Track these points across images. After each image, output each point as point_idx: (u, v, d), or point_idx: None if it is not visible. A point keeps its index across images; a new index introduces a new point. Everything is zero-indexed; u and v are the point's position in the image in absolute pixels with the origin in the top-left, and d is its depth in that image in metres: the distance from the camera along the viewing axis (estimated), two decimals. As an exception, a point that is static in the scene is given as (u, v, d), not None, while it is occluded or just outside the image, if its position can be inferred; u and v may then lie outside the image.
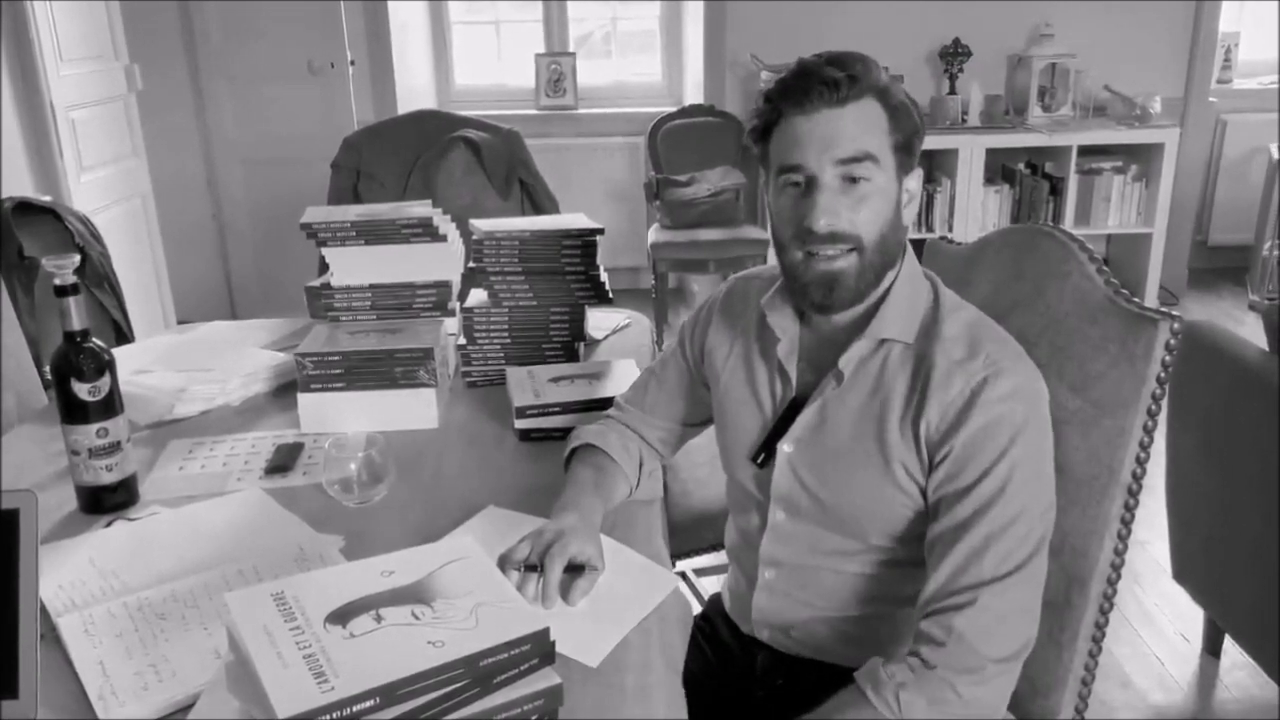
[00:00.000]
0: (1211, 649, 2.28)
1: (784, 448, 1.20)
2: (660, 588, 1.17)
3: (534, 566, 1.11)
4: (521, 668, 0.89)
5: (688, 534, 1.88)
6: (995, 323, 1.17)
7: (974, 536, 1.07)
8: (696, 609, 1.41)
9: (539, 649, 0.90)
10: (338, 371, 1.57)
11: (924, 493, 1.13)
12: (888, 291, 1.16)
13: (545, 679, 0.91)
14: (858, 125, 1.08)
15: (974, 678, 1.05)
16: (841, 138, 1.07)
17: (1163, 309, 1.14)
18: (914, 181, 1.15)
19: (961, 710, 1.05)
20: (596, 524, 1.22)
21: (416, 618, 0.91)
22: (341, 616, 0.90)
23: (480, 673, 0.87)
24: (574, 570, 1.13)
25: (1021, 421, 1.08)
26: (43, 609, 1.09)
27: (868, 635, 1.23)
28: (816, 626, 1.25)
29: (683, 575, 2.36)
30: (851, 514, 1.17)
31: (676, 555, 1.84)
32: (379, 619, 0.90)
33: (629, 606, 1.12)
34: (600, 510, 1.26)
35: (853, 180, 1.09)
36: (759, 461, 1.24)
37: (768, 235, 1.30)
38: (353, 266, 1.74)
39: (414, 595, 0.94)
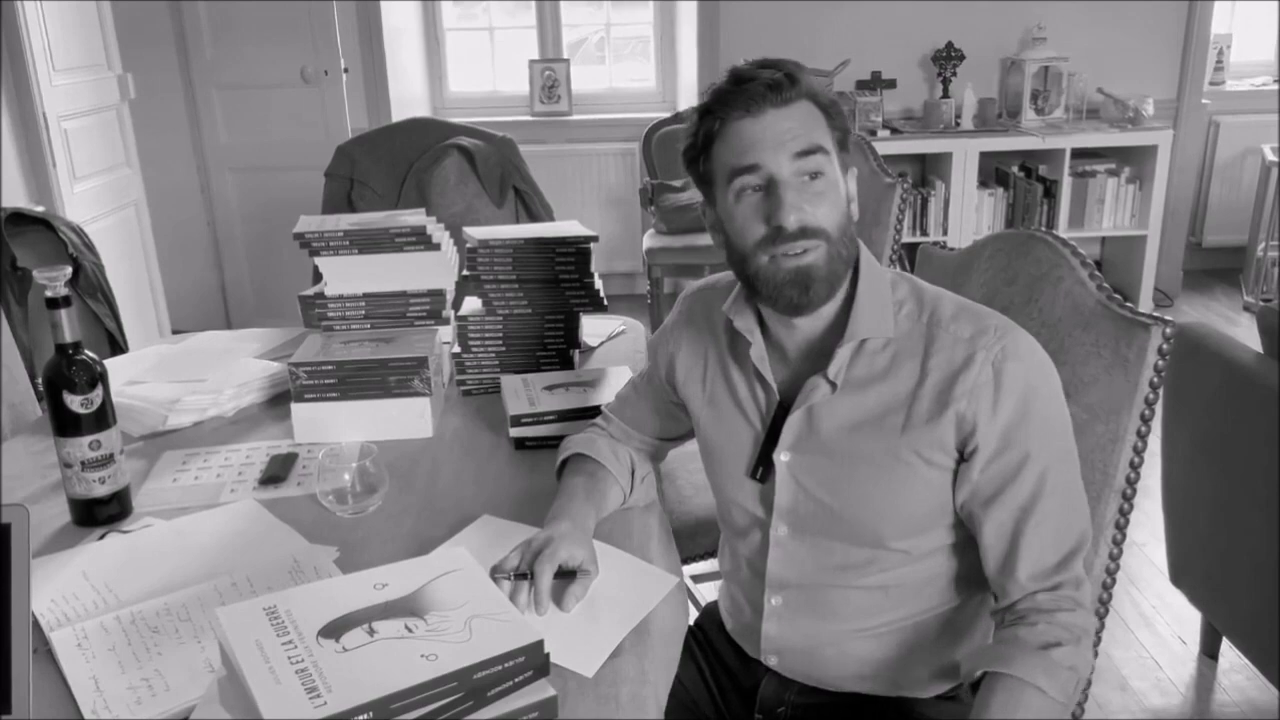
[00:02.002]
0: (1209, 651, 2.28)
1: (781, 457, 1.18)
2: (658, 589, 1.16)
3: (525, 574, 1.11)
4: (516, 680, 0.89)
5: (685, 540, 1.88)
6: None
7: (1043, 510, 1.08)
8: (694, 616, 1.40)
9: (533, 661, 0.90)
10: (331, 381, 1.57)
11: (954, 475, 1.11)
12: (855, 291, 1.15)
13: (540, 691, 0.91)
14: (804, 122, 1.09)
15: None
16: (793, 134, 1.08)
17: (1154, 314, 1.14)
18: (852, 182, 1.15)
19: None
20: (589, 529, 1.21)
21: (410, 631, 0.90)
22: (334, 630, 0.90)
23: (474, 685, 0.87)
24: (566, 576, 1.12)
25: (1053, 381, 1.10)
26: (35, 623, 1.09)
27: (898, 655, 1.20)
28: (835, 652, 1.21)
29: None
30: (864, 517, 1.14)
31: (673, 562, 1.84)
32: (372, 632, 0.90)
33: (624, 612, 1.11)
34: (593, 516, 1.25)
35: (810, 176, 1.09)
36: (759, 476, 1.20)
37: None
38: (346, 275, 1.74)
39: (407, 608, 0.93)
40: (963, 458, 1.10)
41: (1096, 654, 1.16)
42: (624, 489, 1.34)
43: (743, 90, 1.08)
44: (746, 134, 1.09)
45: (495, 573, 1.10)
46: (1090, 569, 1.18)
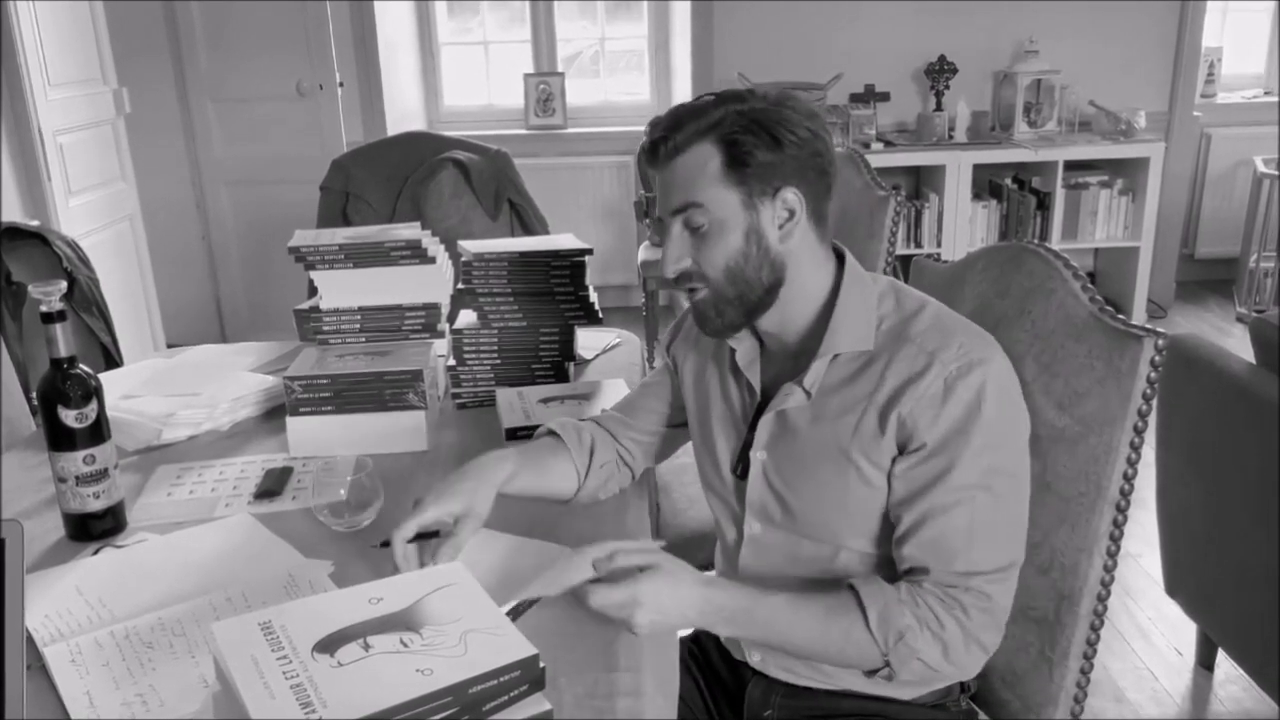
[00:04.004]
0: (1205, 662, 2.28)
1: (758, 455, 1.23)
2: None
3: (386, 543, 1.14)
4: (511, 694, 0.89)
5: (680, 553, 1.87)
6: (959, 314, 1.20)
7: (955, 524, 1.10)
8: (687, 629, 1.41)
9: (529, 674, 0.90)
10: (327, 395, 1.57)
11: (889, 480, 1.14)
12: (833, 305, 1.18)
13: (535, 705, 0.90)
14: (685, 175, 1.14)
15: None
16: (671, 191, 1.15)
17: (1147, 325, 1.15)
18: (789, 199, 1.14)
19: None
20: (485, 480, 1.21)
21: (405, 645, 0.90)
22: (329, 645, 0.89)
23: (469, 700, 0.86)
24: (430, 537, 1.15)
25: (995, 410, 1.10)
26: (29, 639, 1.08)
27: None
28: None
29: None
30: (819, 515, 1.18)
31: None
32: (367, 647, 0.90)
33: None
34: (505, 470, 1.24)
35: (691, 225, 1.15)
36: (738, 473, 1.26)
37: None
38: (341, 289, 1.74)
39: (402, 622, 0.93)
40: (899, 456, 1.13)
41: (968, 689, 1.20)
42: (577, 468, 1.35)
43: (642, 152, 1.18)
44: (657, 184, 1.18)
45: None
46: (1084, 581, 1.18)
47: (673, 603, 1.05)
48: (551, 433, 1.38)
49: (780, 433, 1.20)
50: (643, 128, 1.19)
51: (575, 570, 1.07)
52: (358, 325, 1.76)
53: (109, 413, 1.34)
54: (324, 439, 1.57)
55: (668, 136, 1.13)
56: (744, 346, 1.24)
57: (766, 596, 1.10)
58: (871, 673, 1.14)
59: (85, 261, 2.91)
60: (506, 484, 1.24)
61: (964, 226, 4.41)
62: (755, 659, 1.28)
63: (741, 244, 1.14)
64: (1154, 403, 1.15)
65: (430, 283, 1.76)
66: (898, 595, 1.10)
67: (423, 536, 1.15)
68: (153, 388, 1.78)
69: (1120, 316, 1.18)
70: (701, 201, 1.13)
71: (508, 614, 1.03)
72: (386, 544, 1.13)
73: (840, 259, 1.21)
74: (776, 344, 1.23)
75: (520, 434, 1.53)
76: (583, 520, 1.34)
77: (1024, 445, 1.16)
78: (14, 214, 3.07)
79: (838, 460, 1.15)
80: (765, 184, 1.13)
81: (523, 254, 1.75)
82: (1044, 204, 4.38)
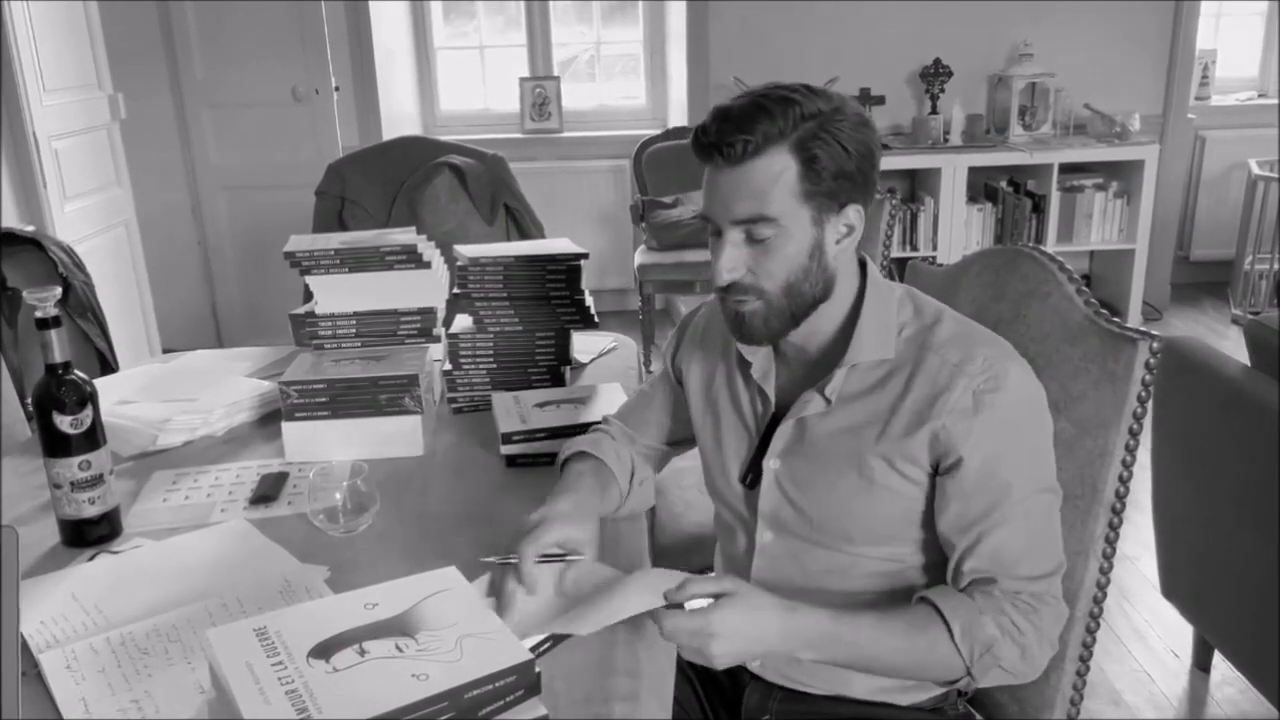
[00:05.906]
0: (1201, 664, 2.28)
1: (770, 464, 1.21)
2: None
3: (505, 559, 1.10)
4: (507, 699, 0.89)
5: (676, 557, 1.87)
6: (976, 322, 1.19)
7: (1014, 533, 1.10)
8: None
9: (524, 680, 0.90)
10: (322, 400, 1.57)
11: (929, 495, 1.13)
12: (858, 315, 1.17)
13: (531, 710, 0.90)
14: (758, 183, 1.07)
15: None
16: (738, 199, 1.08)
17: (1141, 328, 1.15)
18: (851, 216, 1.12)
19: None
20: (591, 509, 1.21)
21: (400, 650, 0.90)
22: (324, 651, 0.89)
23: (465, 705, 0.86)
24: (554, 559, 1.11)
25: (1029, 421, 1.11)
26: (24, 645, 1.08)
27: None
28: None
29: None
30: (834, 522, 1.17)
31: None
32: (362, 652, 0.90)
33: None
34: (598, 501, 1.24)
35: (755, 236, 1.10)
36: (748, 482, 1.24)
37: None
38: (337, 294, 1.74)
39: (398, 628, 0.93)
40: (937, 472, 1.12)
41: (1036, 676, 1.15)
42: (622, 490, 1.34)
43: (703, 145, 1.09)
44: (708, 182, 1.11)
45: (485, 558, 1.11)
46: (1080, 584, 1.18)
47: (752, 628, 1.02)
48: (582, 454, 1.34)
49: (797, 440, 1.19)
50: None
51: (635, 598, 1.04)
52: (353, 330, 1.75)
53: (104, 418, 1.34)
54: (320, 444, 1.57)
55: (746, 138, 1.05)
56: (759, 357, 1.22)
57: (848, 617, 1.07)
58: (950, 682, 1.13)
59: (80, 267, 2.91)
60: None
61: (959, 229, 4.41)
62: (754, 664, 1.28)
63: (805, 260, 1.11)
64: (1149, 405, 1.16)
65: (426, 287, 1.76)
66: (976, 606, 1.08)
67: (544, 557, 1.12)
68: (148, 393, 1.77)
69: (1115, 320, 1.18)
70: (774, 215, 1.07)
71: (532, 649, 0.98)
72: (505, 561, 1.09)
73: (862, 266, 1.20)
74: (796, 352, 1.21)
75: (515, 438, 1.53)
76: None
77: (1052, 444, 1.16)
78: (9, 219, 3.07)
79: (860, 468, 1.14)
80: (834, 200, 1.10)
81: (518, 258, 1.75)
82: (1039, 207, 4.38)
